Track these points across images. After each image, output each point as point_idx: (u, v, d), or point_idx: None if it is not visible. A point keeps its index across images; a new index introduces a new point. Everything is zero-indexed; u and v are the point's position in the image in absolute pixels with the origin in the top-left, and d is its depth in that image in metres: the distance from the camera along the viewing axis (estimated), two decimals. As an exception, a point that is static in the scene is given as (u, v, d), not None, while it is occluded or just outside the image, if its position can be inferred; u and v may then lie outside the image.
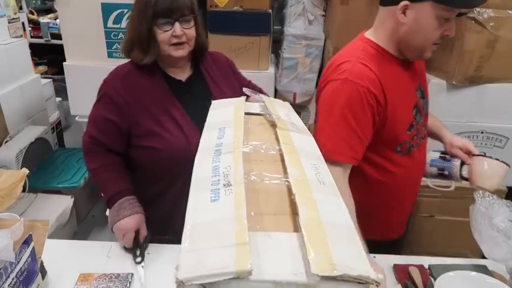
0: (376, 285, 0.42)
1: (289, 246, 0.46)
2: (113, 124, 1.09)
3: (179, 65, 1.15)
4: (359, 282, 0.41)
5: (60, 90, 2.85)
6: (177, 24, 1.04)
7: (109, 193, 1.11)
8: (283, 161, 0.63)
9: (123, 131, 1.09)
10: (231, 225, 0.46)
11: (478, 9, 1.48)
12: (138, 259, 1.02)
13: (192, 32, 1.08)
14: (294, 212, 0.52)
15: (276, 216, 0.52)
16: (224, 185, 0.55)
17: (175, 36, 1.05)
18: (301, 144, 0.71)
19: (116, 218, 1.06)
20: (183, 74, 1.16)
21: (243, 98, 0.96)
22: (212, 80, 1.19)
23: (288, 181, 0.57)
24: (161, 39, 1.05)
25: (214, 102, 0.95)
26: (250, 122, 0.82)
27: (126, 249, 1.06)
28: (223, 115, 0.84)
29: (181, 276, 0.40)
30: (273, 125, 0.79)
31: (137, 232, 1.06)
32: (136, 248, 1.05)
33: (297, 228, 0.49)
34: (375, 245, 0.90)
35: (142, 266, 1.00)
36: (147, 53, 1.08)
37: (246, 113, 0.84)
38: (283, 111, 0.88)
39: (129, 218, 1.06)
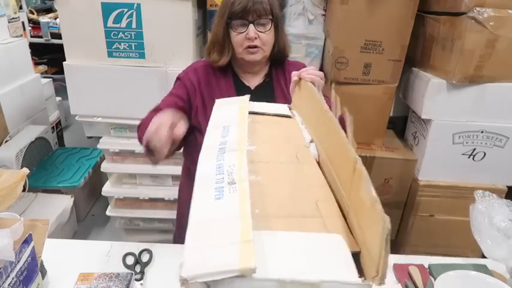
0: (380, 283, 0.42)
1: (294, 245, 0.46)
2: (180, 99, 1.08)
3: (253, 71, 1.12)
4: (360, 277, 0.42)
5: (60, 89, 2.85)
6: (251, 27, 1.02)
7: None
8: (286, 162, 0.64)
9: (186, 110, 1.07)
10: (235, 222, 0.46)
11: (477, 8, 1.48)
12: (138, 276, 0.97)
13: (267, 37, 1.04)
14: (299, 213, 0.52)
15: (281, 216, 0.52)
16: (228, 183, 0.54)
17: (249, 39, 1.02)
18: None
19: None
20: (254, 81, 1.13)
21: (247, 96, 0.95)
22: (281, 90, 1.13)
23: (293, 182, 0.58)
24: (235, 41, 1.04)
25: (217, 101, 0.94)
26: (254, 122, 0.82)
27: (125, 266, 0.98)
28: (228, 113, 0.83)
29: (185, 274, 0.39)
30: (277, 124, 0.79)
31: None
32: (137, 264, 1.00)
33: (301, 227, 0.49)
34: None
35: (141, 284, 0.95)
36: (222, 54, 1.07)
37: (250, 112, 0.84)
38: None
39: (163, 112, 0.89)
